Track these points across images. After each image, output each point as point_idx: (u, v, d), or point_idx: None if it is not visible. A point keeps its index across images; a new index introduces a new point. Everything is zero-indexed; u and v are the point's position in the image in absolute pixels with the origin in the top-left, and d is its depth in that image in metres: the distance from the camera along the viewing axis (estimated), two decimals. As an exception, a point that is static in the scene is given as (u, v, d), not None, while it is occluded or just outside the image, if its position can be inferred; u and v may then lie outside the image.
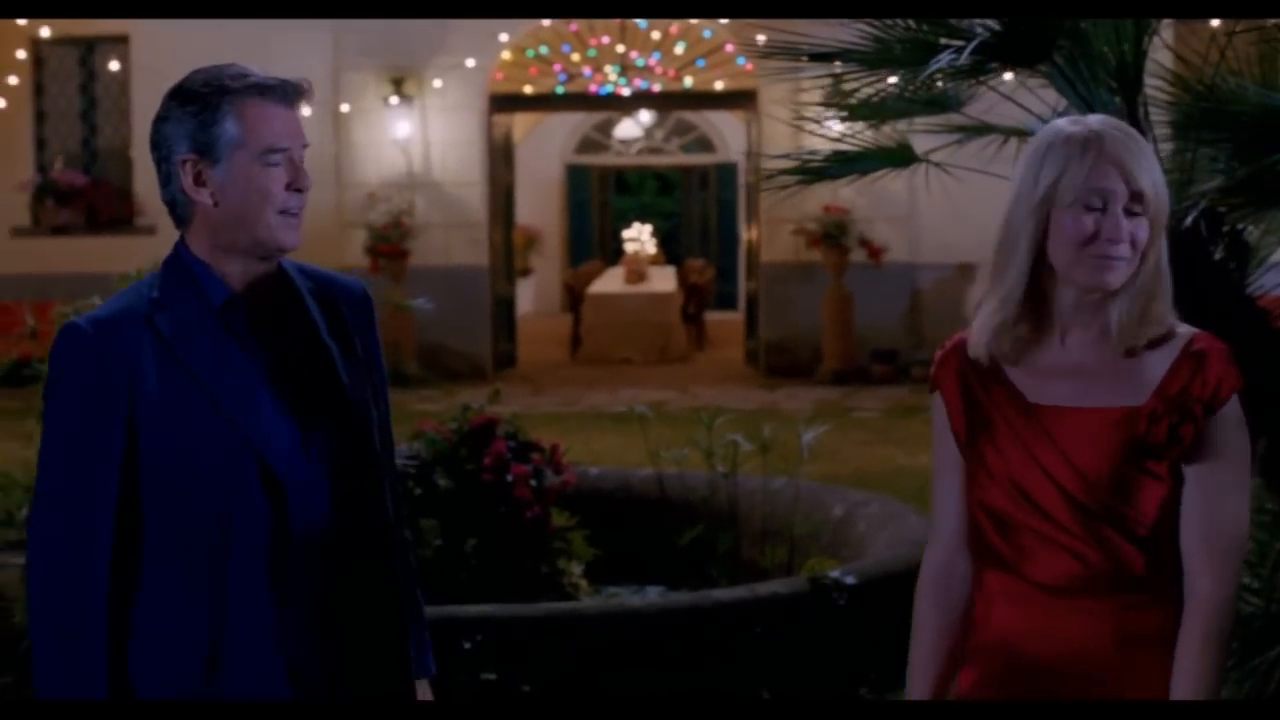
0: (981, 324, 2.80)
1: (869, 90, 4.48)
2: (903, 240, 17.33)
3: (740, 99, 18.08)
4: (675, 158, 29.13)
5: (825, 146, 4.80)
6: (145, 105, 17.35)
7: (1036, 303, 2.77)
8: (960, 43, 4.07)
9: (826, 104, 4.65)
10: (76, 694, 2.71)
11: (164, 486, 2.75)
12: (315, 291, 2.89)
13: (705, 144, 28.28)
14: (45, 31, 16.84)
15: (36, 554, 2.76)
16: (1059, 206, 2.69)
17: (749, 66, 16.99)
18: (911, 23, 4.22)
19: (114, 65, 17.62)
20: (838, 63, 4.32)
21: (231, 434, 2.73)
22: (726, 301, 26.80)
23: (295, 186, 2.77)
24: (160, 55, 16.72)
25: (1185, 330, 2.75)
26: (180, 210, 2.80)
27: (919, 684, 2.94)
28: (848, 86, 4.48)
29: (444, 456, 6.89)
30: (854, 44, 4.33)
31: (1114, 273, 2.69)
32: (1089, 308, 2.74)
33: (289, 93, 2.79)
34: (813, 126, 5.10)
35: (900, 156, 4.60)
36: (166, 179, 2.79)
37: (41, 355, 6.64)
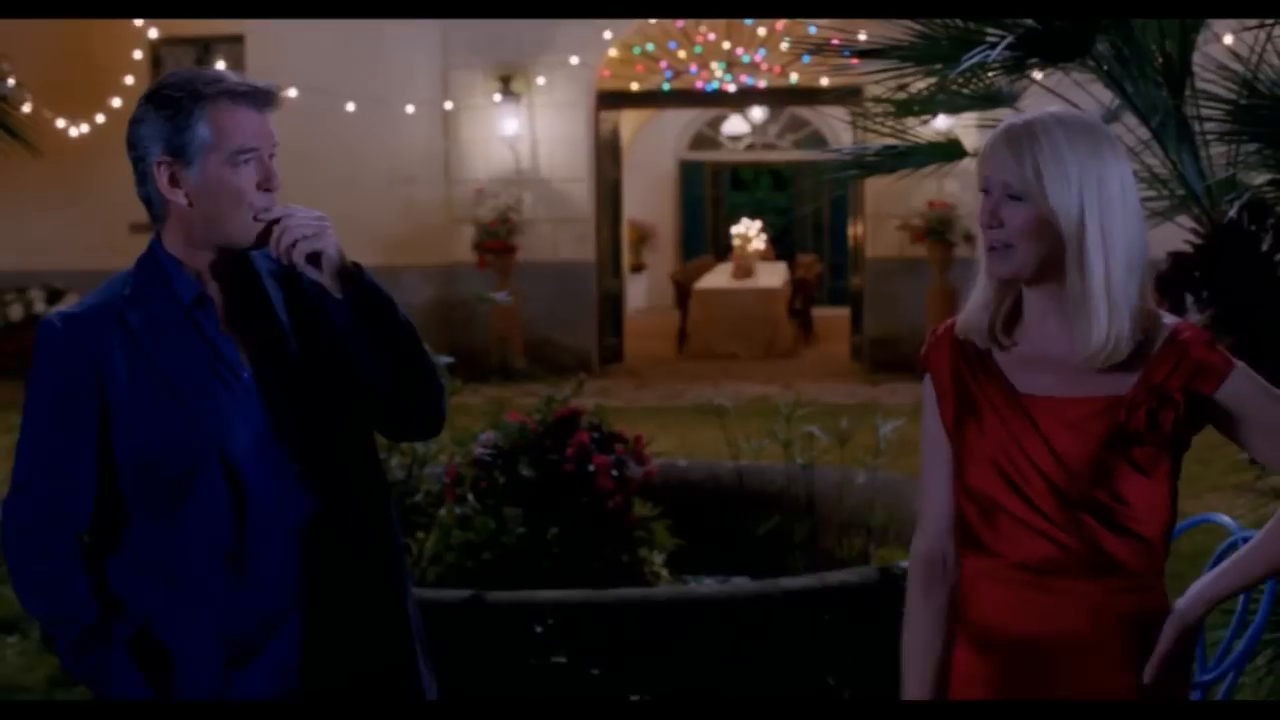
0: (968, 309, 2.89)
1: (920, 85, 4.56)
2: (1009, 235, 17.25)
3: (845, 94, 18.05)
4: (789, 154, 29.12)
5: (916, 138, 4.85)
6: (260, 104, 17.70)
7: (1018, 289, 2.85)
8: (1001, 37, 4.14)
9: (878, 100, 4.72)
10: (89, 657, 2.89)
11: (135, 475, 2.90)
12: (276, 271, 3.01)
13: (819, 140, 28.25)
14: (153, 33, 17.17)
15: (12, 536, 2.94)
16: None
17: (853, 60, 16.96)
18: (958, 20, 4.29)
19: (228, 65, 17.93)
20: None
21: (195, 428, 2.87)
22: (839, 297, 26.75)
23: (266, 187, 2.89)
24: (274, 54, 17.10)
25: (1170, 320, 2.80)
26: (156, 209, 2.94)
27: (914, 670, 3.00)
28: (897, 82, 4.55)
29: (529, 446, 7.03)
30: (904, 40, 4.41)
31: (992, 258, 2.80)
32: (1044, 301, 2.81)
33: (260, 98, 2.92)
34: (911, 121, 5.13)
35: (950, 151, 4.67)
36: (142, 178, 2.93)
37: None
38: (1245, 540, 3.85)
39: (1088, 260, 2.72)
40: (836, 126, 26.97)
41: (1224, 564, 2.85)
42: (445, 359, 6.88)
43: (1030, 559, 2.80)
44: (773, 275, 22.48)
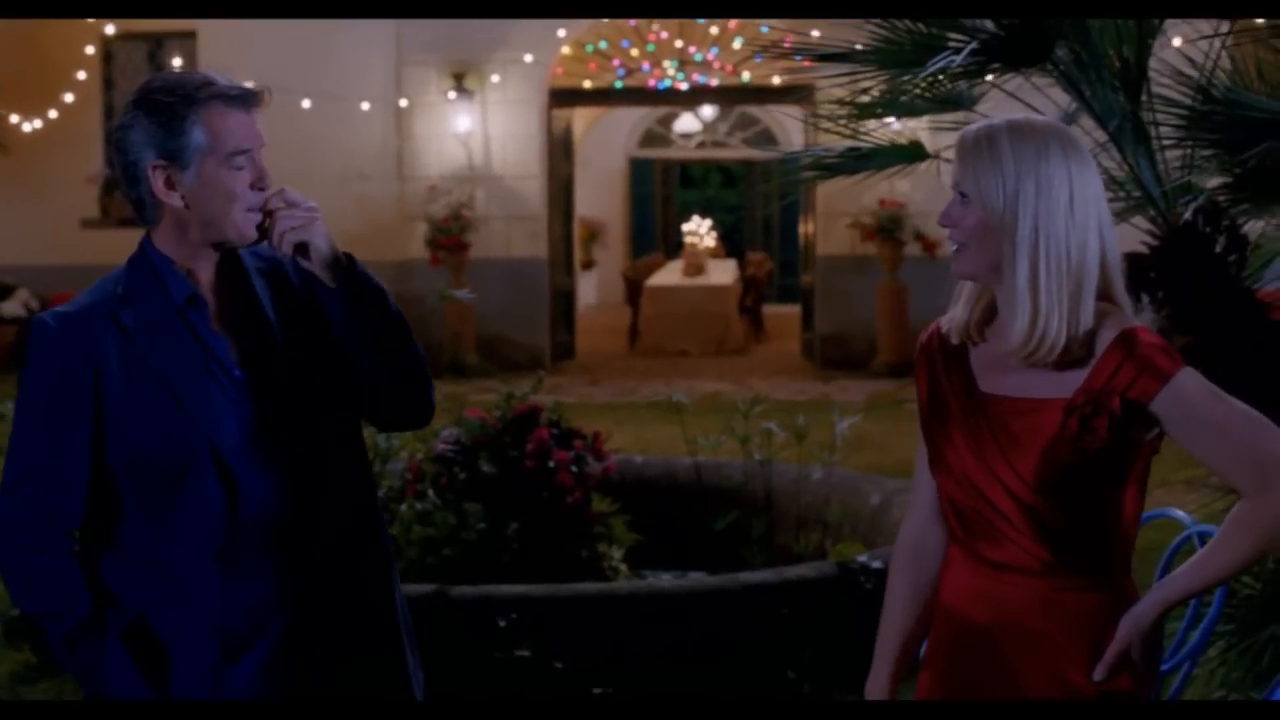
0: (951, 310, 2.99)
1: (881, 88, 4.63)
2: (958, 234, 17.40)
3: (797, 93, 18.18)
4: (739, 151, 29.23)
5: (879, 140, 4.93)
6: (211, 100, 17.67)
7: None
8: (963, 42, 4.22)
9: (841, 102, 4.79)
10: (82, 651, 2.94)
11: (127, 472, 2.94)
12: (264, 269, 3.08)
13: (768, 138, 28.36)
14: (110, 29, 17.12)
15: (4, 534, 2.97)
16: None
17: (805, 62, 17.08)
18: (921, 24, 4.37)
19: (181, 60, 17.90)
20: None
21: (188, 426, 2.91)
22: (789, 295, 26.86)
23: (259, 186, 2.95)
24: (227, 51, 17.05)
25: (1121, 321, 2.84)
26: (148, 211, 2.98)
27: (885, 645, 3.12)
28: (860, 85, 4.63)
29: (488, 442, 7.08)
30: (867, 45, 4.49)
31: (953, 258, 2.91)
32: (1001, 299, 2.91)
33: (249, 99, 2.97)
34: (871, 124, 5.20)
35: (912, 153, 4.75)
36: (133, 181, 2.96)
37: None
38: (1201, 535, 3.96)
39: (1015, 260, 2.81)
40: (786, 125, 27.10)
41: (1180, 568, 2.91)
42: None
43: (994, 556, 2.89)
44: (724, 273, 22.58)
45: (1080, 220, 2.80)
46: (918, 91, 4.53)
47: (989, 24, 4.35)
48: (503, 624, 5.72)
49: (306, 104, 16.04)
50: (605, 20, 17.65)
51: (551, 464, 7.03)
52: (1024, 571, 2.86)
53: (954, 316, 2.99)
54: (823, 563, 6.55)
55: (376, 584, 3.13)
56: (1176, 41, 4.67)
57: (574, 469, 7.10)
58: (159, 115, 2.91)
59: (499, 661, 5.68)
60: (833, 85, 4.74)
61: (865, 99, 4.68)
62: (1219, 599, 3.92)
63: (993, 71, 4.37)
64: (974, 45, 4.11)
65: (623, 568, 7.23)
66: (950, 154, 4.65)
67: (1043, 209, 2.79)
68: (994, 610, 2.90)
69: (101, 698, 2.95)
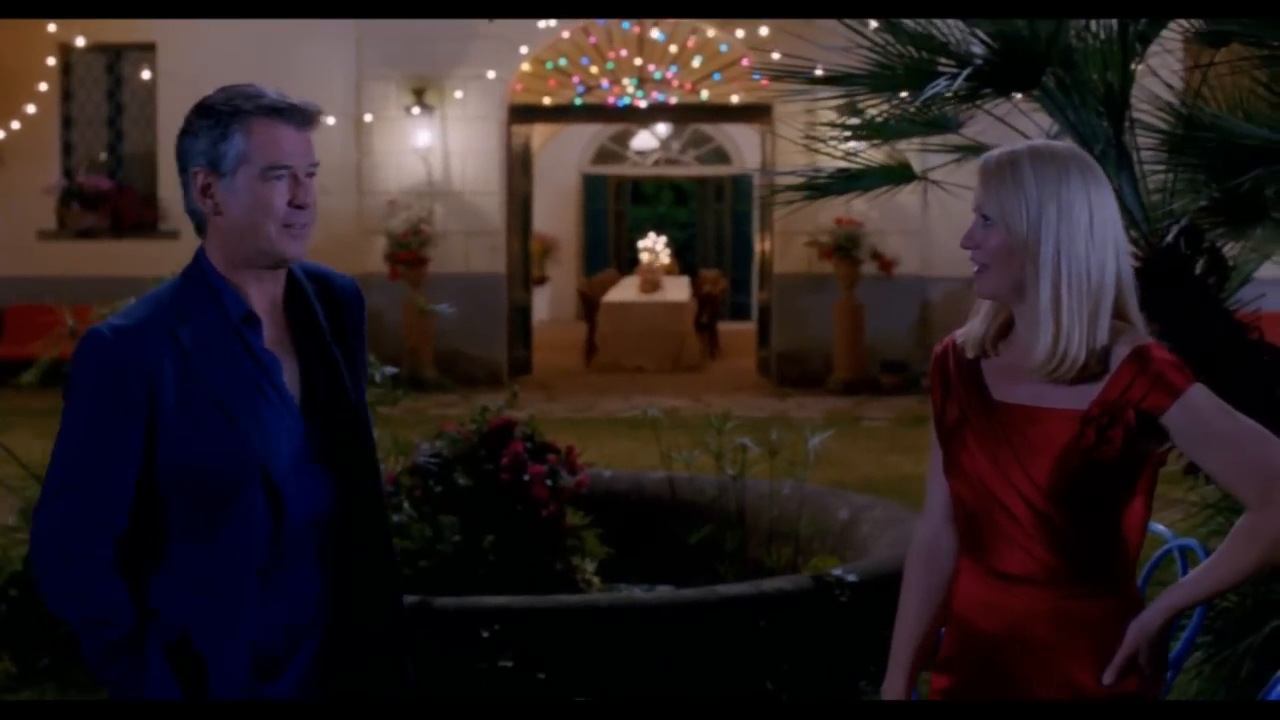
0: (969, 324, 3.10)
1: (872, 111, 4.74)
2: (914, 253, 17.59)
3: (755, 112, 18.34)
4: (691, 169, 29.38)
5: (835, 162, 5.05)
6: (171, 112, 17.67)
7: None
8: (957, 69, 4.34)
9: (832, 124, 4.90)
10: (122, 664, 2.91)
11: (177, 489, 2.93)
12: (320, 294, 3.10)
13: (721, 155, 28.54)
14: (81, 41, 17.12)
15: (45, 539, 2.93)
16: None
17: (763, 81, 17.25)
18: (912, 49, 4.49)
19: (141, 73, 17.91)
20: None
21: (240, 445, 2.91)
22: (740, 312, 27.05)
23: (297, 203, 2.95)
24: (186, 63, 17.08)
25: (1136, 337, 2.95)
26: (198, 220, 3.00)
27: (900, 646, 3.22)
28: (856, 108, 4.74)
29: (464, 456, 7.14)
30: (859, 68, 4.60)
31: (976, 278, 3.01)
32: (1024, 316, 3.00)
33: (301, 116, 2.98)
34: (813, 141, 5.33)
35: (901, 174, 4.86)
36: (184, 188, 2.98)
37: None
38: (1181, 549, 4.08)
39: (1039, 281, 2.93)
40: (739, 142, 27.28)
41: (1186, 577, 3.03)
42: (390, 369, 7.01)
43: (1006, 567, 2.99)
44: (679, 289, 22.70)
45: (1099, 242, 2.92)
46: (910, 114, 4.63)
47: (976, 48, 4.48)
48: (486, 635, 5.78)
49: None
50: (566, 37, 17.77)
51: (526, 477, 7.09)
52: (1032, 581, 2.96)
53: (971, 331, 3.09)
54: (799, 576, 6.64)
55: (395, 599, 3.18)
56: (1157, 63, 4.80)
57: (548, 482, 7.17)
58: (208, 121, 2.94)
59: (482, 671, 5.75)
60: (794, 104, 4.85)
61: (854, 121, 4.78)
62: (1199, 611, 4.03)
63: (983, 97, 4.48)
64: (969, 71, 4.23)
65: (595, 580, 7.30)
66: (936, 175, 4.81)
67: (1064, 232, 2.90)
68: (1003, 620, 3.00)
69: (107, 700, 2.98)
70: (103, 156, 18.56)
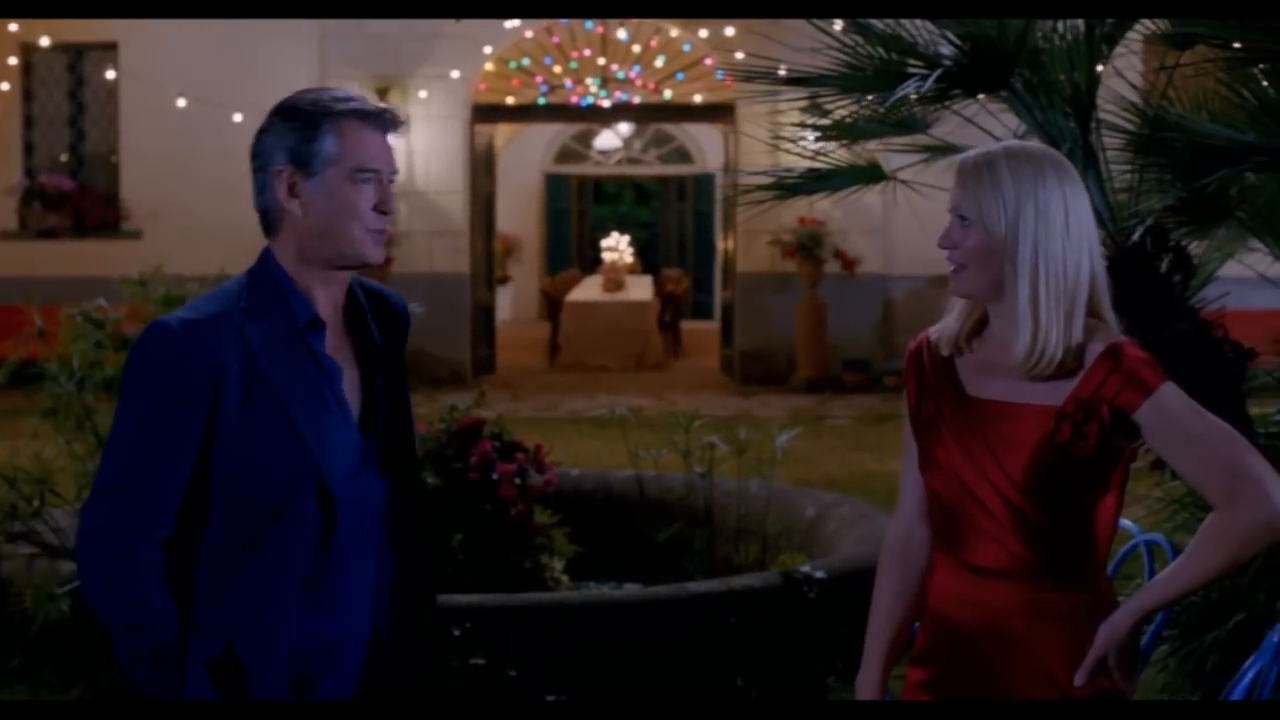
0: (943, 320, 3.14)
1: (842, 112, 4.79)
2: (876, 252, 17.67)
3: (718, 112, 18.39)
4: (653, 168, 29.43)
5: (799, 162, 5.10)
6: (132, 112, 17.66)
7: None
8: (926, 70, 4.39)
9: (802, 125, 4.94)
10: (161, 671, 2.83)
11: (229, 492, 2.88)
12: (373, 307, 3.07)
13: (683, 155, 28.59)
14: (45, 41, 17.06)
15: (92, 538, 2.85)
16: None
17: (727, 80, 17.31)
18: (881, 50, 4.53)
19: (103, 73, 17.85)
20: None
21: (299, 452, 2.87)
22: (702, 311, 27.12)
23: (381, 208, 2.94)
24: (148, 63, 17.07)
25: (1109, 335, 3.00)
26: (270, 219, 2.96)
27: (874, 642, 3.24)
28: (822, 108, 4.78)
29: (432, 455, 7.17)
30: (828, 69, 4.64)
31: (952, 277, 3.04)
32: (999, 314, 3.05)
33: (387, 121, 2.97)
34: (783, 141, 5.39)
35: (871, 174, 4.91)
36: (261, 188, 2.95)
37: (49, 356, 6.94)
38: (1148, 543, 4.14)
39: (1017, 281, 2.97)
40: (701, 142, 27.35)
41: (1155, 578, 3.06)
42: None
43: (980, 561, 3.03)
44: (642, 289, 22.74)
45: (1075, 241, 2.96)
46: (878, 114, 4.68)
47: (945, 50, 4.53)
48: (457, 632, 5.81)
49: (238, 118, 16.03)
50: (529, 36, 17.78)
51: (495, 476, 7.13)
52: (1006, 575, 3.00)
53: (946, 329, 3.13)
54: (768, 573, 6.69)
55: (431, 605, 3.17)
56: (1124, 64, 4.87)
57: (517, 481, 7.20)
58: (296, 121, 2.92)
59: (454, 669, 5.77)
60: (757, 105, 4.90)
61: (825, 121, 4.83)
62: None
63: (953, 98, 4.53)
64: (939, 72, 4.27)
65: (564, 579, 7.34)
66: (907, 175, 4.86)
67: (1041, 232, 2.95)
68: (978, 614, 3.03)
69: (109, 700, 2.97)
70: (64, 157, 18.49)
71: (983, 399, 3.04)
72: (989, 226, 2.97)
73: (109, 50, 17.79)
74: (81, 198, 18.05)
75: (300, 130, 2.91)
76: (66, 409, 6.87)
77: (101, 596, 2.86)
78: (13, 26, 17.16)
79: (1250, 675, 3.29)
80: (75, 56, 18.26)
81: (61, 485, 6.84)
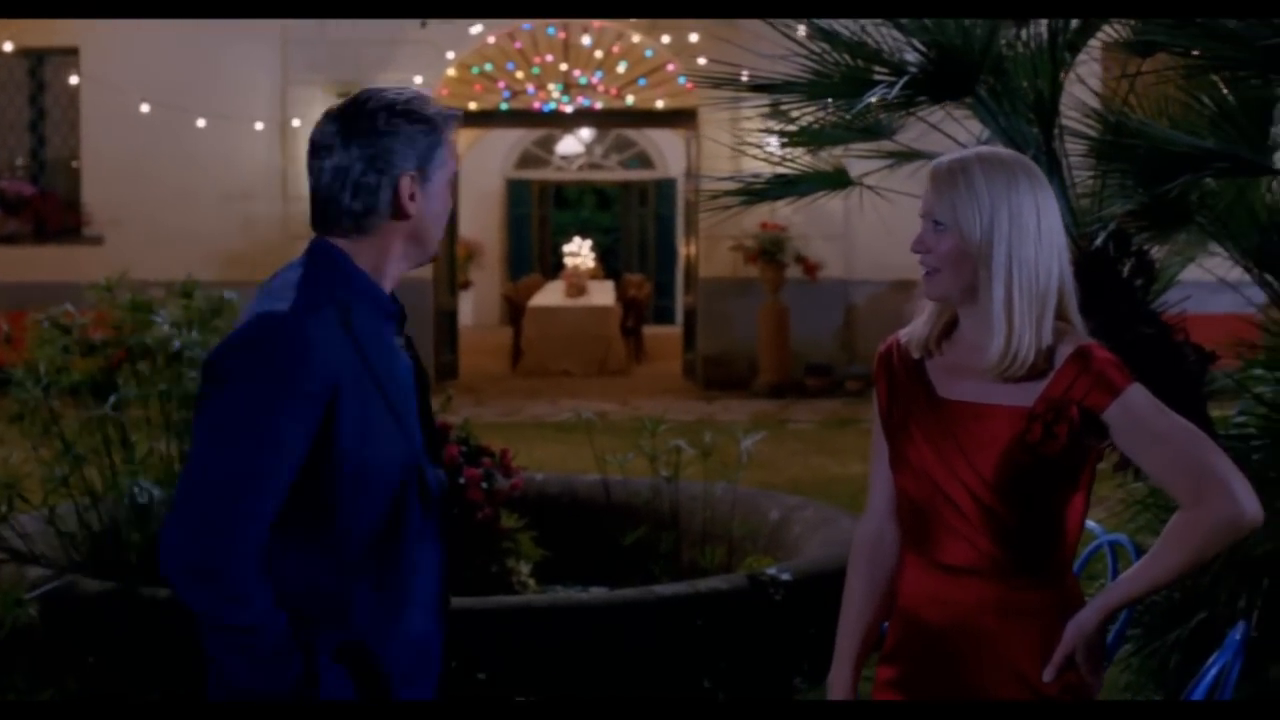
0: (912, 324, 3.19)
1: (808, 118, 4.85)
2: (838, 257, 17.74)
3: (681, 117, 18.45)
4: (615, 173, 29.47)
5: (763, 167, 5.15)
6: (94, 117, 17.61)
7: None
8: (892, 77, 4.45)
9: (769, 130, 5.00)
10: (294, 665, 2.76)
11: (353, 483, 2.82)
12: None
13: (645, 160, 28.65)
14: (8, 46, 17.01)
15: (204, 540, 2.71)
16: None
17: (689, 86, 17.38)
18: (848, 57, 4.59)
19: (65, 78, 17.79)
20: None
21: (405, 444, 2.87)
22: (664, 316, 27.18)
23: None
24: (109, 68, 17.02)
25: (1077, 338, 3.07)
26: (369, 219, 2.90)
27: (845, 640, 3.29)
28: (789, 114, 4.84)
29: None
30: (795, 76, 4.70)
31: (925, 281, 3.10)
32: (970, 317, 3.11)
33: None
34: (750, 147, 5.45)
35: (837, 179, 4.97)
36: (374, 189, 2.88)
37: (14, 361, 6.95)
38: (1111, 544, 4.21)
39: (991, 284, 3.03)
40: (662, 147, 27.41)
41: (1121, 576, 3.13)
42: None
43: (949, 560, 3.09)
44: (604, 294, 22.77)
45: (1046, 246, 3.03)
46: (844, 120, 4.74)
47: (910, 57, 4.59)
48: (426, 636, 5.83)
49: (201, 123, 16.04)
50: (491, 42, 17.81)
51: (461, 480, 7.15)
52: (976, 573, 3.06)
53: (915, 332, 3.18)
54: (734, 575, 6.73)
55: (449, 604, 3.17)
56: (1082, 70, 4.94)
57: (483, 485, 7.23)
58: (424, 125, 2.91)
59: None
60: (719, 111, 4.95)
61: (792, 128, 4.88)
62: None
63: (919, 104, 4.59)
64: (905, 79, 4.33)
65: (531, 582, 7.37)
66: (872, 180, 4.92)
67: (1015, 237, 3.01)
68: (949, 613, 3.09)
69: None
70: (24, 162, 18.41)
71: (954, 400, 3.09)
72: (964, 231, 3.03)
73: (70, 55, 17.74)
74: (42, 203, 17.98)
75: (428, 135, 2.91)
76: (33, 414, 6.89)
77: (215, 600, 2.73)
78: (-27, 32, 17.12)
79: (1213, 672, 3.35)
80: (36, 61, 18.20)
81: (29, 490, 6.83)
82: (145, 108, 16.79)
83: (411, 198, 2.90)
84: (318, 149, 2.94)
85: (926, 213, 3.09)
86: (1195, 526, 2.96)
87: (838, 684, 3.29)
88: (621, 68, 18.37)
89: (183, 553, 2.72)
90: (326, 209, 2.92)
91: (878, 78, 4.51)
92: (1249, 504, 2.93)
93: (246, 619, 2.72)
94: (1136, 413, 2.99)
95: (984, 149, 3.17)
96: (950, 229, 3.05)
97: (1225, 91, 4.54)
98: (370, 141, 2.88)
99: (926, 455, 3.09)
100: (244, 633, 2.72)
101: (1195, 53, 4.36)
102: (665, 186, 28.63)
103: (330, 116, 2.97)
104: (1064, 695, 3.05)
